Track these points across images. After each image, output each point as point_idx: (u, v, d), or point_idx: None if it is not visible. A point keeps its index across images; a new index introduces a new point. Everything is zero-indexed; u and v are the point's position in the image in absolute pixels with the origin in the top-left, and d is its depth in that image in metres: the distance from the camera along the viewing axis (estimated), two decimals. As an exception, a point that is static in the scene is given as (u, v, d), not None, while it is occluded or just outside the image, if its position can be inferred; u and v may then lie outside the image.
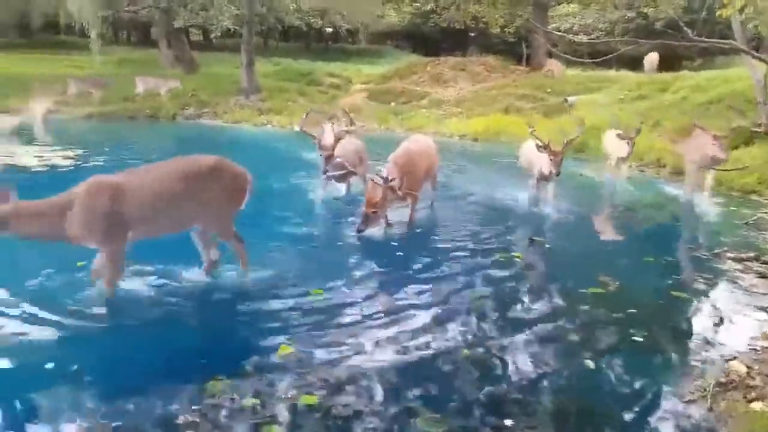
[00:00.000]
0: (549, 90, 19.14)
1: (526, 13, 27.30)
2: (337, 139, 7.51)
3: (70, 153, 10.99)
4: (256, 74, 20.58)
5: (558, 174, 7.33)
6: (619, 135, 9.15)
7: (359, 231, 6.14)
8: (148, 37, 33.35)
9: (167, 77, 18.84)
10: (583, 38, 25.99)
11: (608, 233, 7.44)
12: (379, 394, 3.49)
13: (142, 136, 14.73)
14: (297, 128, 7.95)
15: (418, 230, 6.83)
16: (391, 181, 6.08)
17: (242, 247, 4.97)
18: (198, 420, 3.14)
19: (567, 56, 16.57)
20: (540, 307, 4.84)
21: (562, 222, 7.41)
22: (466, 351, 3.98)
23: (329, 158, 7.28)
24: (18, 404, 3.24)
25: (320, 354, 3.89)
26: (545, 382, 3.71)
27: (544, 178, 7.67)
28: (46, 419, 3.14)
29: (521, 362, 3.91)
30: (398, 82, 22.51)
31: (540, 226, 7.31)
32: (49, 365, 3.61)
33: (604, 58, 9.55)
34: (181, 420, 3.13)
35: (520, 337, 4.25)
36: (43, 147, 11.63)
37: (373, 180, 6.22)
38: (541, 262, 6.13)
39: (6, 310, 4.21)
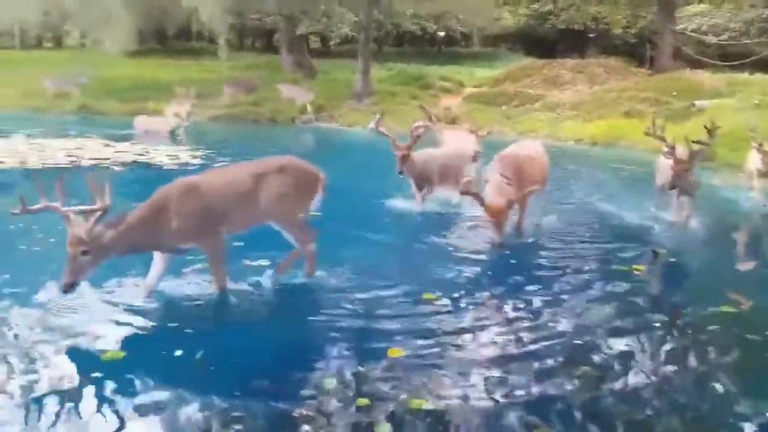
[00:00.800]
0: (675, 93, 18.03)
1: (651, 13, 25.98)
2: (415, 137, 7.38)
3: (198, 152, 11.77)
4: (371, 79, 21.03)
5: (673, 188, 6.46)
6: (756, 148, 8.42)
7: (500, 246, 5.77)
8: (271, 44, 34.93)
9: (306, 88, 19.49)
10: (712, 39, 24.40)
11: (739, 247, 6.90)
12: (489, 402, 3.44)
13: (262, 138, 15.46)
14: (371, 125, 7.84)
15: (530, 240, 6.68)
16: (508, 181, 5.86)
17: (312, 249, 5.00)
18: (313, 414, 3.24)
19: (699, 57, 15.49)
20: (663, 324, 4.57)
21: (688, 234, 6.94)
22: (583, 367, 3.84)
23: (404, 158, 7.21)
24: (149, 388, 3.50)
25: (430, 358, 3.89)
26: (670, 405, 3.50)
27: (684, 192, 6.61)
28: (173, 404, 3.35)
29: (644, 382, 3.71)
30: (511, 84, 22.10)
31: (664, 238, 6.82)
32: (178, 352, 3.88)
33: (743, 61, 8.74)
34: (296, 414, 3.25)
35: (642, 356, 4.04)
36: (174, 146, 12.56)
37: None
38: (665, 276, 5.79)
39: (134, 306, 4.53)
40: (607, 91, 19.66)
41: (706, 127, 6.59)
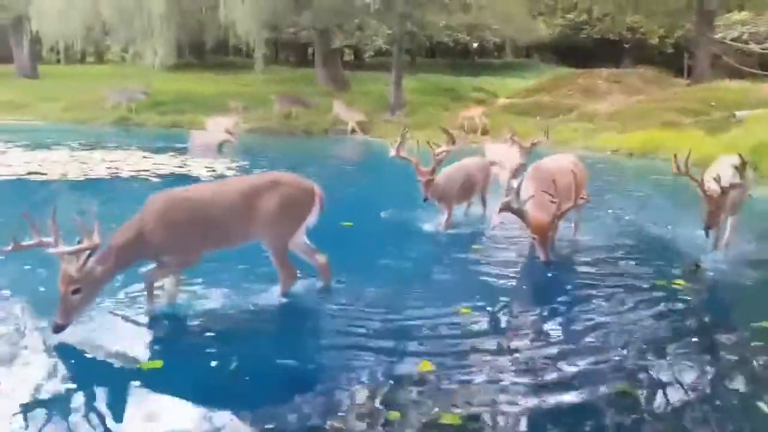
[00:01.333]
0: (713, 104, 17.68)
1: (689, 22, 25.57)
2: (438, 161, 7.12)
3: (234, 165, 11.95)
4: (403, 91, 21.11)
5: (707, 228, 5.87)
6: None
7: (547, 264, 5.45)
8: (305, 58, 35.36)
9: (358, 110, 19.56)
10: (754, 48, 23.82)
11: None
12: (523, 421, 3.37)
13: (296, 149, 15.65)
14: (392, 153, 7.33)
15: (565, 251, 6.58)
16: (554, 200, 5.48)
17: (286, 273, 4.83)
18: (343, 427, 3.23)
19: (740, 67, 15.19)
20: (704, 339, 4.44)
21: (729, 249, 6.71)
22: (619, 385, 3.73)
23: (428, 183, 6.93)
24: (184, 398, 3.54)
25: (462, 374, 3.83)
26: (711, 423, 3.39)
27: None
28: (205, 414, 3.38)
29: (683, 399, 3.60)
30: (545, 95, 21.97)
31: (705, 252, 6.56)
32: (214, 363, 3.91)
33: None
34: (327, 425, 3.24)
35: (682, 372, 3.92)
36: (211, 158, 12.79)
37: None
38: (705, 291, 5.64)
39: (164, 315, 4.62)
40: (643, 102, 19.40)
41: (735, 168, 5.95)
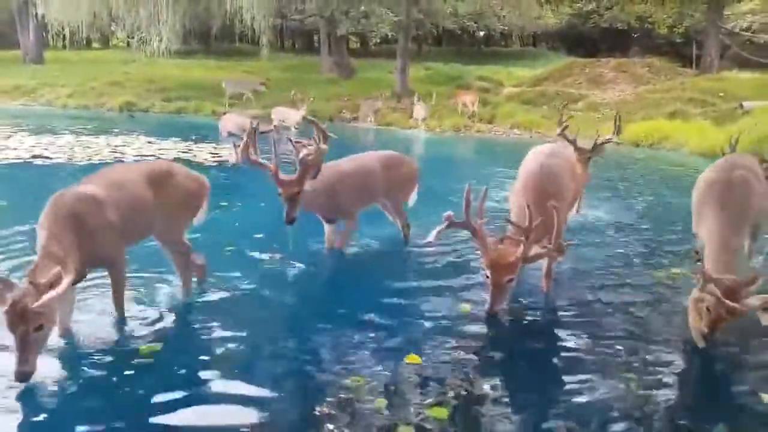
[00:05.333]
0: (721, 94, 17.53)
1: (698, 11, 25.34)
2: (305, 166, 4.81)
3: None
4: (409, 78, 21.02)
5: None
6: None
7: (491, 314, 4.01)
8: (311, 45, 35.24)
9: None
10: (764, 37, 23.56)
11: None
12: (517, 419, 3.33)
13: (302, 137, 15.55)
14: (234, 161, 5.41)
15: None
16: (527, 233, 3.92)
17: (184, 262, 4.50)
18: (335, 412, 3.24)
19: (749, 56, 15.06)
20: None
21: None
22: (628, 374, 3.68)
23: (292, 200, 4.81)
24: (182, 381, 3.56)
25: (448, 368, 3.76)
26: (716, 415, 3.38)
27: None
28: (198, 398, 3.41)
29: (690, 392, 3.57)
30: (552, 84, 21.83)
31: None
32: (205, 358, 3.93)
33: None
34: (317, 411, 3.25)
35: (682, 365, 3.92)
36: (217, 144, 12.81)
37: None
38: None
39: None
40: (651, 92, 19.28)
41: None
